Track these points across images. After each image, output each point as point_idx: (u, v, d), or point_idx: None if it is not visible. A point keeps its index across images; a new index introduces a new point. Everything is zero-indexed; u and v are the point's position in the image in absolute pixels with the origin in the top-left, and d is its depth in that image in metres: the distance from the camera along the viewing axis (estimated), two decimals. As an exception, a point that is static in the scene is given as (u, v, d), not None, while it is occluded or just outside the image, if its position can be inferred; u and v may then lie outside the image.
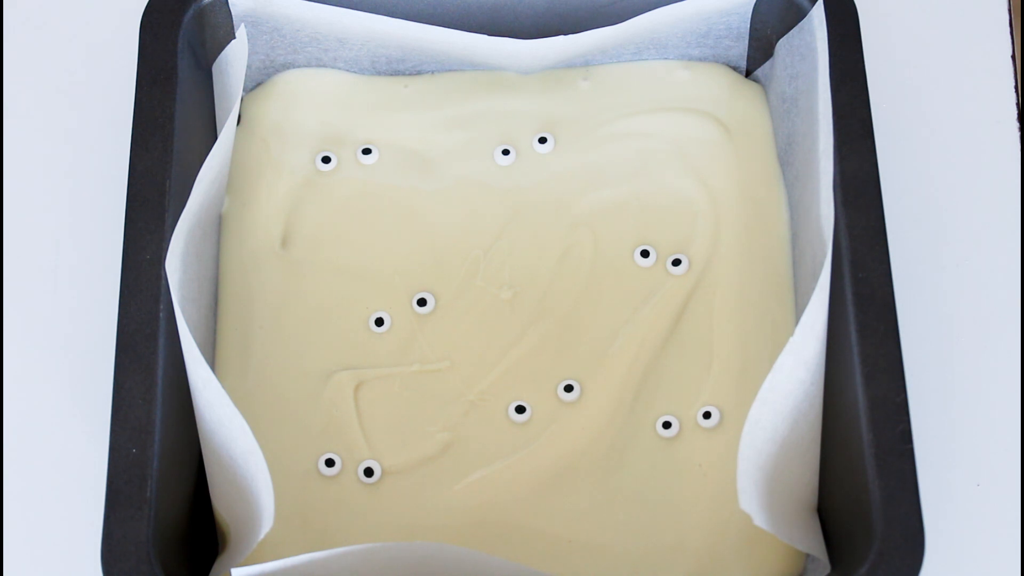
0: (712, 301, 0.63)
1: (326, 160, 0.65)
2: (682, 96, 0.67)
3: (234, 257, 0.64)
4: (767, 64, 0.66)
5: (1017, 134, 0.69)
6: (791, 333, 0.59)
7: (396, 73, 0.67)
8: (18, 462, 0.63)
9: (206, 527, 0.60)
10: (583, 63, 0.67)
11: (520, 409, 0.61)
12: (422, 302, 0.63)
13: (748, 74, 0.68)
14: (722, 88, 0.67)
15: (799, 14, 0.63)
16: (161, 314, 0.57)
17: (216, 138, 0.64)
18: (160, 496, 0.56)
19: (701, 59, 0.67)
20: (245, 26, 0.64)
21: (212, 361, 0.62)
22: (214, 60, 0.65)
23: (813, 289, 0.57)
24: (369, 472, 0.60)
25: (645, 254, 0.64)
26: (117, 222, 0.61)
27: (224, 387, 0.59)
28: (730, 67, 0.68)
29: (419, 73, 0.67)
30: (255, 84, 0.67)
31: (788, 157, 0.64)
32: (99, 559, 0.54)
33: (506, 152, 0.66)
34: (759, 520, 0.54)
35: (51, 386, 0.64)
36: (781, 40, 0.65)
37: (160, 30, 0.62)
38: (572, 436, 0.61)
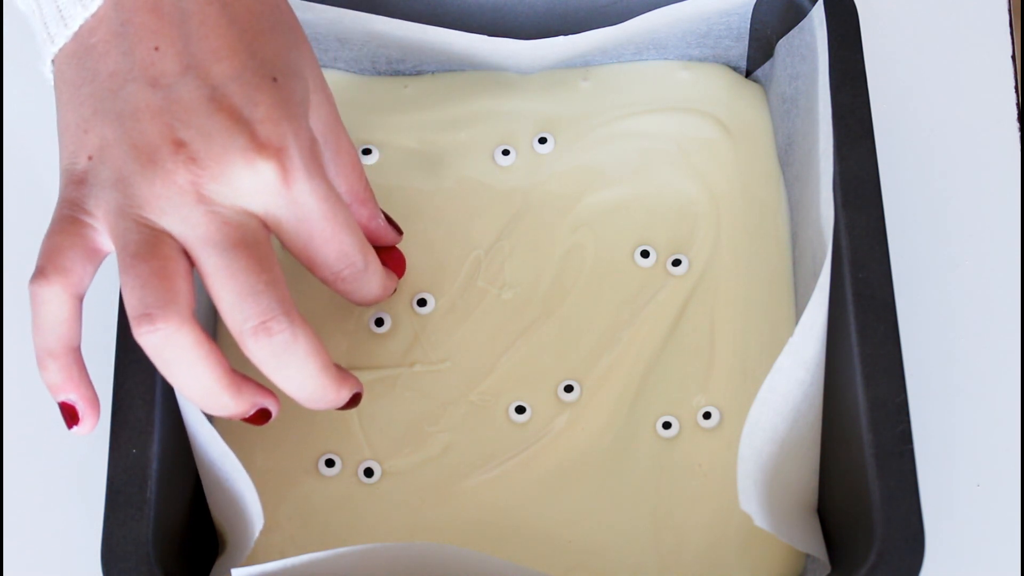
0: (712, 301, 0.63)
1: (326, 160, 0.65)
2: (682, 96, 0.67)
3: (234, 257, 0.64)
4: (767, 64, 0.66)
5: (1017, 134, 0.69)
6: (791, 333, 0.59)
7: (396, 73, 0.67)
8: (18, 462, 0.63)
9: (206, 527, 0.60)
10: (583, 63, 0.67)
11: (520, 409, 0.61)
12: (422, 302, 0.63)
13: (748, 74, 0.68)
14: (722, 88, 0.67)
15: (799, 14, 0.63)
16: (161, 314, 0.57)
17: (216, 138, 0.64)
18: (160, 496, 0.56)
19: (701, 59, 0.67)
20: (245, 26, 0.64)
21: (212, 361, 0.62)
22: (214, 60, 0.65)
23: (813, 289, 0.57)
24: (369, 472, 0.60)
25: (645, 254, 0.64)
26: (117, 222, 0.61)
27: (224, 387, 0.58)
28: (730, 67, 0.68)
29: (419, 73, 0.67)
30: (255, 84, 0.67)
31: (788, 157, 0.64)
32: (99, 559, 0.54)
33: (506, 152, 0.66)
34: (759, 520, 0.54)
35: (51, 386, 0.64)
36: (781, 40, 0.65)
37: (160, 30, 0.62)
38: (572, 436, 0.61)
